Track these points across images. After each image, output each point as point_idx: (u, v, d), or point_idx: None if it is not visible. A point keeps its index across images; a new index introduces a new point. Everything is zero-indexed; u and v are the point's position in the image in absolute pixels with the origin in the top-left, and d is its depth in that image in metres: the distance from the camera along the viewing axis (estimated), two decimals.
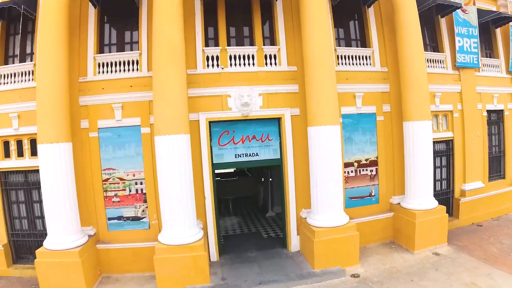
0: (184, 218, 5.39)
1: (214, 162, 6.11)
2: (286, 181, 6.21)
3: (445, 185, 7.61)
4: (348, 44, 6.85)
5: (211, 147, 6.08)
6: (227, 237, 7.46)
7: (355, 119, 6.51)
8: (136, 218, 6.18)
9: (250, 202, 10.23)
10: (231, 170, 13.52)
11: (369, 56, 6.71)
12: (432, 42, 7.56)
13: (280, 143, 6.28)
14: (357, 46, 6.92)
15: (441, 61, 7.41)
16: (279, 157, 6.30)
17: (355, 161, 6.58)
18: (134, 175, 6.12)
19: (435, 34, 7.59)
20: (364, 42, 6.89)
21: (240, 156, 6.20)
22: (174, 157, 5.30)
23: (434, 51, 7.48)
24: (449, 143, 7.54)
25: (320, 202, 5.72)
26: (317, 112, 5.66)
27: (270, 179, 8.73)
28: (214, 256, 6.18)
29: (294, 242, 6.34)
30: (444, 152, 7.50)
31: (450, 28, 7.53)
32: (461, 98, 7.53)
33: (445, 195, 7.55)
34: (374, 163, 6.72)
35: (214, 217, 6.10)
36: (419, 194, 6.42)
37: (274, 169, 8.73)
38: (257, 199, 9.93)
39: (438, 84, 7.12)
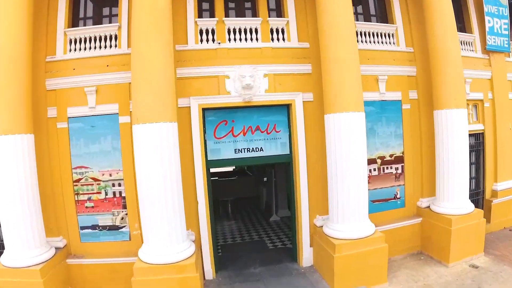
0: (169, 230, 3.88)
1: (209, 158, 4.60)
2: (297, 182, 4.72)
3: (473, 185, 6.16)
4: (367, 20, 5.40)
5: (205, 140, 4.58)
6: (225, 246, 5.95)
7: (378, 107, 5.04)
8: (114, 227, 4.66)
9: (251, 204, 8.71)
10: (230, 168, 11.99)
11: (392, 34, 5.26)
12: (458, 22, 6.10)
13: (290, 135, 4.78)
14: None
15: (470, 43, 5.99)
16: (289, 152, 4.80)
17: (378, 158, 5.11)
18: (110, 175, 4.61)
19: (461, 13, 6.17)
20: (385, 18, 5.44)
21: (241, 152, 4.69)
22: (156, 152, 3.80)
23: (461, 32, 6.06)
24: (479, 136, 6.10)
25: (341, 207, 4.25)
26: (337, 96, 4.18)
27: (274, 179, 7.23)
28: (210, 273, 4.67)
29: (306, 255, 4.84)
30: (473, 147, 6.05)
31: (478, 6, 6.11)
32: (491, 85, 6.10)
33: (475, 196, 6.09)
34: (399, 159, 5.25)
35: (209, 227, 4.59)
36: (454, 196, 4.95)
37: (280, 167, 7.27)
38: (259, 201, 8.42)
39: (468, 69, 5.63)
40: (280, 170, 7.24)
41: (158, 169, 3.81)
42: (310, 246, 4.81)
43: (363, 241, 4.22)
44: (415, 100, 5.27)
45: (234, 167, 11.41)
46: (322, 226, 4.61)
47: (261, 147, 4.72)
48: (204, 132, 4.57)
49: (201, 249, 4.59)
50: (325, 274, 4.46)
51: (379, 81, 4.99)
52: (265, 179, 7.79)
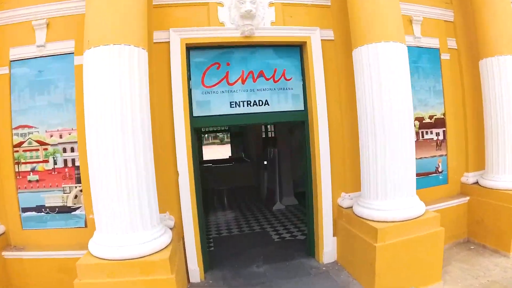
0: (131, 209, 2.31)
1: (194, 114, 3.06)
2: (316, 148, 3.17)
3: None
4: None
5: (189, 89, 3.05)
6: (219, 239, 4.33)
7: (413, 54, 3.59)
8: (65, 209, 3.07)
9: (250, 194, 7.11)
10: (227, 155, 10.30)
11: None
12: None
13: (304, 85, 3.27)
14: None
15: None
16: (303, 108, 3.28)
17: (416, 119, 3.62)
18: (61, 136, 3.06)
19: None
20: None
21: (239, 105, 3.14)
22: (114, 90, 2.29)
23: None
24: None
25: (381, 177, 2.71)
26: (372, 21, 2.72)
27: (277, 161, 5.69)
28: (196, 273, 3.04)
29: (328, 247, 3.24)
30: None
31: None
32: None
33: None
34: (440, 122, 3.78)
35: (195, 208, 2.99)
36: None
37: (284, 145, 5.76)
38: (259, 189, 6.84)
39: None
40: (284, 150, 5.73)
41: (116, 116, 2.30)
42: (334, 235, 3.23)
43: (413, 223, 2.68)
44: (455, 50, 3.88)
45: (230, 155, 9.85)
46: (351, 207, 3.07)
47: (266, 100, 3.19)
48: (189, 78, 3.05)
49: (183, 240, 3.01)
50: (358, 272, 2.88)
51: (413, 22, 3.59)
52: (266, 162, 6.20)
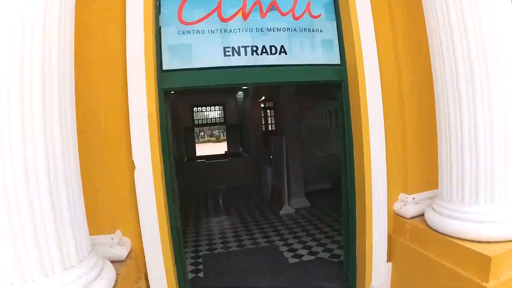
0: (13, 231, 1.04)
1: (165, 67, 1.76)
2: (363, 125, 1.90)
3: None
4: None
5: (158, 27, 1.79)
6: (211, 259, 3.01)
7: None
8: None
9: (250, 193, 5.89)
10: (223, 151, 9.05)
11: None
12: None
13: (340, 25, 2.01)
14: None
15: None
16: (339, 61, 2.02)
17: None
18: None
19: None
20: None
21: (238, 53, 1.85)
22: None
23: None
24: None
25: (485, 169, 1.47)
26: None
27: (286, 153, 4.48)
28: None
29: (379, 279, 1.95)
30: None
31: None
32: None
33: None
34: None
35: (166, 223, 1.69)
36: None
37: (290, 129, 4.51)
38: (261, 189, 5.60)
39: None
40: (292, 140, 4.51)
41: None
42: (388, 261, 1.99)
43: None
44: None
45: (226, 150, 8.51)
46: (419, 216, 1.86)
47: (282, 47, 1.91)
48: (158, 10, 1.79)
49: (146, 278, 1.74)
50: None
51: None
52: (271, 155, 4.97)
